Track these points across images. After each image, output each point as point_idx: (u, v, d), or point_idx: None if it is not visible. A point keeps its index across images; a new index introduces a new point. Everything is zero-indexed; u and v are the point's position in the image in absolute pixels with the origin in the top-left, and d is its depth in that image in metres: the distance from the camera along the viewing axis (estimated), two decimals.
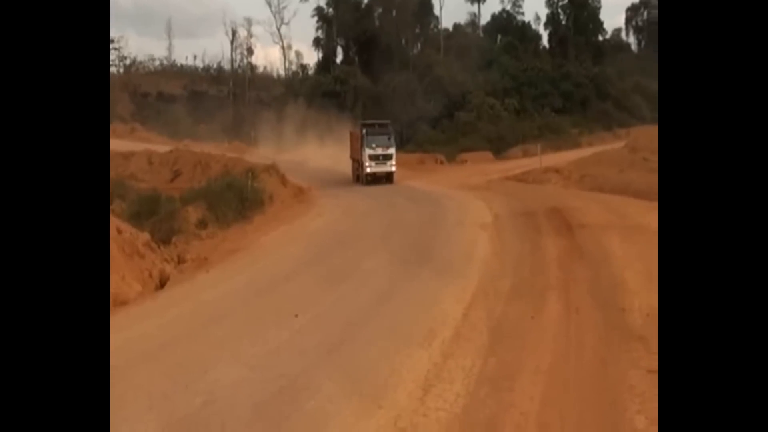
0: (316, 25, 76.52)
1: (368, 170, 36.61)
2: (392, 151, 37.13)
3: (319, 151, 48.05)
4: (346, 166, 40.23)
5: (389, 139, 37.25)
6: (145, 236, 15.15)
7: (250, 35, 79.52)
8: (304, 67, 79.42)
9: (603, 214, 17.63)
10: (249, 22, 79.53)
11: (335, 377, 7.34)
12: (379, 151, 36.61)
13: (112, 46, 71.85)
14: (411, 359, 7.69)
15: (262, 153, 44.43)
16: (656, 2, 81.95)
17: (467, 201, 24.46)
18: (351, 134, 40.35)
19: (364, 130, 36.87)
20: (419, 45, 77.64)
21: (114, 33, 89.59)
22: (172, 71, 79.10)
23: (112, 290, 12.25)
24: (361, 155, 36.76)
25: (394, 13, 75.05)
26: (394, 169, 37.05)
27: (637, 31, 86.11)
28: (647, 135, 44.25)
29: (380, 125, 38.63)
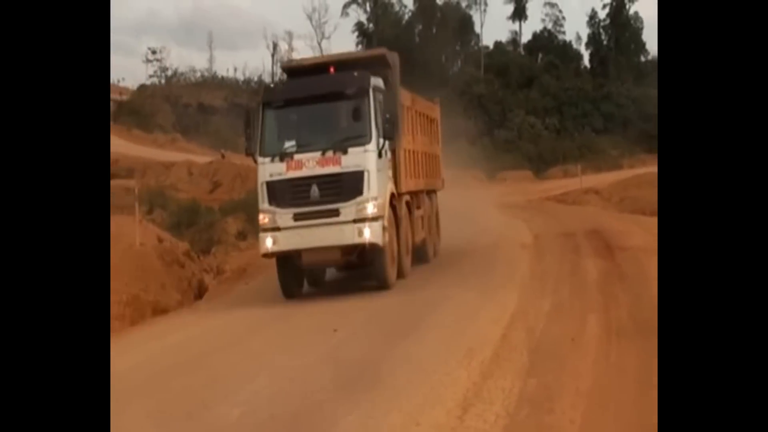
0: (356, 40, 77.19)
1: (267, 245, 12.17)
2: (366, 154, 12.27)
3: None
4: None
5: (359, 115, 12.78)
6: (185, 246, 15.35)
7: (290, 49, 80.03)
8: None
9: (643, 237, 17.39)
10: (290, 35, 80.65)
11: (374, 392, 7.32)
12: (311, 167, 12.16)
13: (153, 57, 72.75)
14: (450, 377, 7.64)
15: None
16: None
17: (506, 220, 24.33)
18: None
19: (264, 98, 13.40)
20: (459, 62, 77.83)
21: (156, 44, 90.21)
22: (213, 83, 79.85)
23: (152, 298, 12.42)
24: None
25: (434, 29, 75.42)
26: (370, 236, 12.07)
27: None
28: None
29: (346, 64, 14.38)
